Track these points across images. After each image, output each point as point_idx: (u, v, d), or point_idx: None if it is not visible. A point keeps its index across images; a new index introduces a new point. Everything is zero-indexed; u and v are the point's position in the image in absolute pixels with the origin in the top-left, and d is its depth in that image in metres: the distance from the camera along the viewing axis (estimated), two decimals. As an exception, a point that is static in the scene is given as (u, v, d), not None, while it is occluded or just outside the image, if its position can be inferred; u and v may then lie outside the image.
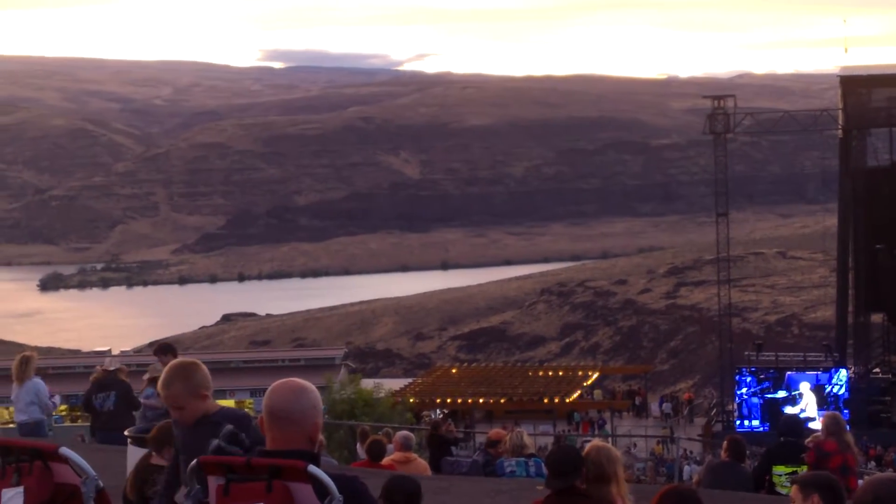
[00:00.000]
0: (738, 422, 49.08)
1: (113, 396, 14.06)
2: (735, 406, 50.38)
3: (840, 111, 51.87)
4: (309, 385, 4.52)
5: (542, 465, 11.46)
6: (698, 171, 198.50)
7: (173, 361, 6.41)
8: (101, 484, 4.63)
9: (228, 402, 57.71)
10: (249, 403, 59.61)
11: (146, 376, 13.55)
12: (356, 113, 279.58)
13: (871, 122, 51.46)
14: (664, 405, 57.98)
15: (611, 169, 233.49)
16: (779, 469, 11.49)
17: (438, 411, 55.36)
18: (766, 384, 48.36)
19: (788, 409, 46.73)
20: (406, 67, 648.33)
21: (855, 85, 51.56)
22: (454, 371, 69.83)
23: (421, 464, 13.94)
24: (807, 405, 46.99)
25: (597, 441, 8.09)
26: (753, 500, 11.00)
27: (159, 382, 6.22)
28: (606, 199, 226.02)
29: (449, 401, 57.29)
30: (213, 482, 4.36)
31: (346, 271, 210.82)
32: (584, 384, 61.80)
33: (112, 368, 14.46)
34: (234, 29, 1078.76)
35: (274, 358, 76.65)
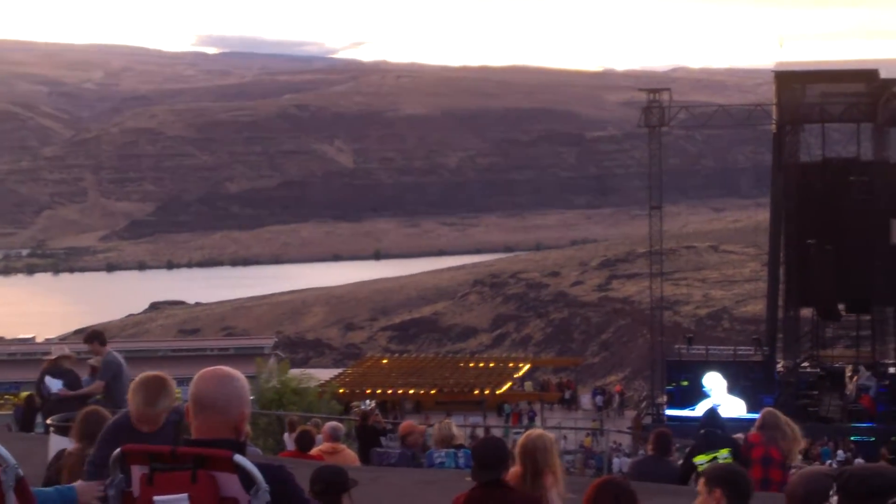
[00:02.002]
0: (668, 409, 49.25)
1: (60, 385, 13.69)
2: (666, 398, 50.58)
3: (774, 106, 52.04)
4: (237, 373, 4.44)
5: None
6: (633, 164, 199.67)
7: (146, 378, 6.69)
8: (21, 472, 4.45)
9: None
10: (177, 393, 59.06)
11: (91, 361, 13.52)
12: (290, 100, 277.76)
13: (805, 118, 51.59)
14: (597, 397, 58.12)
15: (545, 161, 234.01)
16: (699, 459, 11.49)
17: (368, 402, 55.24)
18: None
19: (705, 402, 47.28)
20: (341, 55, 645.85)
21: (789, 80, 51.68)
22: (384, 362, 69.61)
23: (349, 454, 13.82)
24: (716, 395, 47.44)
25: (531, 431, 8.02)
26: (679, 493, 10.91)
27: (139, 401, 6.65)
28: (541, 190, 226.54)
29: (379, 391, 57.00)
30: (137, 471, 4.26)
31: (278, 260, 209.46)
32: (515, 376, 61.84)
33: (59, 356, 14.05)
34: (167, 13, 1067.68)
35: (202, 347, 75.93)
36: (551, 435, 7.84)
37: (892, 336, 51.55)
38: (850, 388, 50.28)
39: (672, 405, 49.30)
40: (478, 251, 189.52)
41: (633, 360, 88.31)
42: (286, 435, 18.92)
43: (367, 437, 18.12)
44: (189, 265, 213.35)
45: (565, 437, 46.62)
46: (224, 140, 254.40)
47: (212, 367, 4.47)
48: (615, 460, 38.71)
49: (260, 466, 4.16)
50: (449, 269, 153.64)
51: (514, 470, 7.48)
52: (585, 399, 59.24)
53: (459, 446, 13.30)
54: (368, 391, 57.05)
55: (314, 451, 13.62)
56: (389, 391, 57.34)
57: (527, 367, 66.10)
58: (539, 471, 7.44)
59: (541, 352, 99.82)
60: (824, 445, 42.45)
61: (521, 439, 7.71)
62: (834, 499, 4.57)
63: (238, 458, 4.10)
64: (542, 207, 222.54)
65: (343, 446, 13.86)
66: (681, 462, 12.07)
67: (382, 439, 18.46)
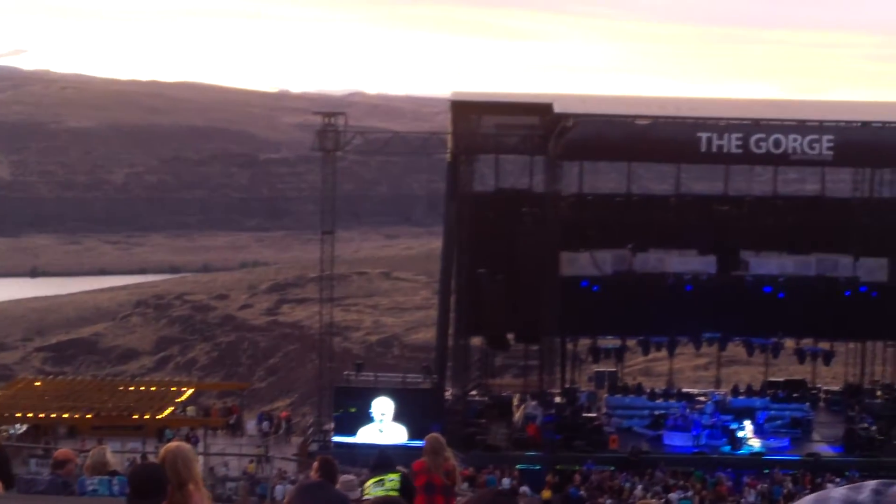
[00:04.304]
0: (335, 436, 48.66)
1: None
2: (333, 424, 49.95)
3: (449, 135, 52.20)
4: None
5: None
6: (306, 188, 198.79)
7: None
8: None
9: None
10: None
11: None
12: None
13: (480, 148, 52.02)
14: (263, 423, 56.75)
15: (216, 181, 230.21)
16: (368, 483, 11.76)
17: (19, 426, 52.34)
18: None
19: (365, 429, 47.20)
20: (1, 63, 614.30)
21: (465, 110, 51.95)
22: (38, 384, 65.91)
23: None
24: (382, 422, 47.43)
25: (168, 445, 7.93)
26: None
27: None
28: (210, 211, 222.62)
29: (31, 415, 53.84)
30: None
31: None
32: (177, 400, 59.88)
33: None
34: None
35: None
36: (189, 445, 7.92)
37: (558, 366, 52.66)
38: (517, 416, 51.03)
39: (339, 432, 48.74)
40: (142, 271, 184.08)
41: (302, 386, 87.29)
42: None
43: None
44: None
45: (227, 465, 45.28)
46: None
47: None
48: (279, 487, 37.84)
49: None
50: (111, 288, 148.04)
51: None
52: (251, 425, 57.77)
53: (114, 473, 12.59)
54: (19, 415, 53.85)
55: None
56: (42, 415, 54.16)
57: (190, 391, 64.07)
58: (183, 482, 7.48)
59: (206, 376, 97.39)
60: (490, 473, 42.73)
61: (160, 454, 7.75)
62: None
63: None
64: (212, 228, 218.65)
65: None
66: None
67: (33, 464, 16.86)
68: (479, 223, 50.14)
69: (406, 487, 11.70)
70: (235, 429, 56.78)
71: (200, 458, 38.77)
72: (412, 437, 44.10)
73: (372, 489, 11.69)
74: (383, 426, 47.36)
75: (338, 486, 11.81)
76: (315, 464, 12.40)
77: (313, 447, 49.79)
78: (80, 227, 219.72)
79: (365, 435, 47.27)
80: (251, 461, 46.55)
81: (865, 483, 2.59)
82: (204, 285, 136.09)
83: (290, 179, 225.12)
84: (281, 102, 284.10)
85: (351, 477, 13.46)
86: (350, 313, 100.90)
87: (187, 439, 52.03)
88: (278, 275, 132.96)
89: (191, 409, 60.38)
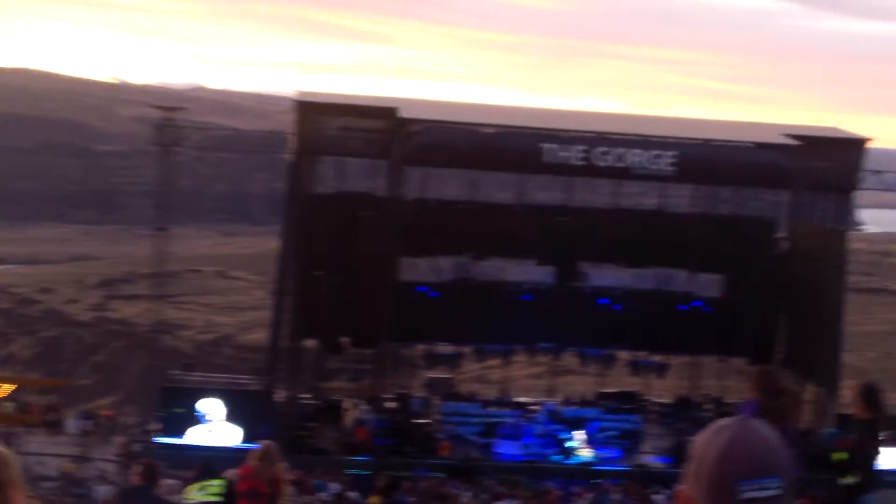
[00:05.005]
0: (160, 437, 47.32)
1: None
2: (158, 425, 48.61)
3: (292, 135, 51.30)
4: None
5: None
6: (142, 182, 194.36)
7: None
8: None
9: None
10: None
11: None
12: None
13: (323, 150, 51.25)
14: (84, 422, 55.03)
15: (47, 171, 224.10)
16: (191, 487, 11.79)
17: None
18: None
19: (194, 429, 45.94)
20: None
21: (309, 110, 51.08)
22: None
23: None
24: (213, 422, 46.46)
25: None
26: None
27: None
28: (39, 202, 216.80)
29: None
30: None
31: None
32: (-5, 396, 57.77)
33: None
34: None
35: None
36: (8, 451, 7.10)
37: (392, 371, 52.27)
38: (348, 420, 50.46)
39: (166, 433, 47.33)
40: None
41: (128, 384, 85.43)
42: None
43: None
44: None
45: (44, 464, 43.93)
46: None
47: None
48: (98, 489, 36.70)
49: None
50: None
51: None
52: (71, 423, 55.98)
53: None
54: None
55: None
56: None
57: (10, 387, 61.80)
58: (1, 486, 6.47)
59: (26, 371, 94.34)
60: (319, 478, 42.17)
61: None
62: None
63: None
64: (40, 220, 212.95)
65: None
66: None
67: None
68: (318, 225, 49.39)
69: (230, 493, 11.66)
70: (55, 427, 54.98)
71: (17, 458, 37.34)
72: (247, 440, 43.15)
73: (193, 494, 11.73)
74: (214, 427, 46.23)
75: (159, 490, 11.64)
76: (137, 467, 12.30)
77: (137, 448, 48.42)
78: None
79: (194, 436, 46.03)
80: (70, 461, 45.10)
81: None
82: (28, 278, 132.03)
83: (124, 173, 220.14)
84: (118, 94, 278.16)
85: (173, 481, 13.15)
86: (182, 311, 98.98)
87: (5, 437, 50.12)
88: (108, 270, 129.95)
89: (8, 406, 58.40)
